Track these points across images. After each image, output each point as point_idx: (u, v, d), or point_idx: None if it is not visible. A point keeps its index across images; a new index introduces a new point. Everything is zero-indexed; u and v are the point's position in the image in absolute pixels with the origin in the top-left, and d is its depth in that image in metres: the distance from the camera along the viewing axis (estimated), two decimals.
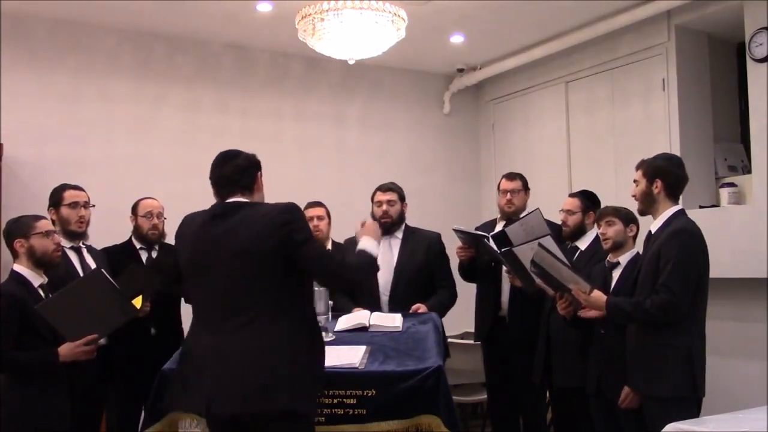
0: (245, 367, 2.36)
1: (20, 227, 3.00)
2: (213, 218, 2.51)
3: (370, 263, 2.61)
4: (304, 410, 2.43)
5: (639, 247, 3.38)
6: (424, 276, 3.92)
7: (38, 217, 3.06)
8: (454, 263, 4.09)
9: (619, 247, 3.38)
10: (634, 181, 3.20)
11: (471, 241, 3.92)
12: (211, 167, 2.61)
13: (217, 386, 2.37)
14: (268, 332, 2.38)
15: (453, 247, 4.03)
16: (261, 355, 2.36)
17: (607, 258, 3.44)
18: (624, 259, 3.37)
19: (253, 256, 2.40)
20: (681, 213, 3.10)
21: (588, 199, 3.78)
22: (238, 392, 2.35)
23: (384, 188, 4.02)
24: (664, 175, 3.10)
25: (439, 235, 4.05)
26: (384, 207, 3.95)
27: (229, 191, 2.55)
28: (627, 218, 3.39)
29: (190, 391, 2.46)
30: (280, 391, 2.35)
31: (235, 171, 2.55)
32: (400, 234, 3.99)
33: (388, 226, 3.90)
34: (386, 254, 3.87)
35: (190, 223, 2.60)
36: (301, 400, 2.40)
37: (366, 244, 2.63)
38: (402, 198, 4.03)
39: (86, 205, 3.56)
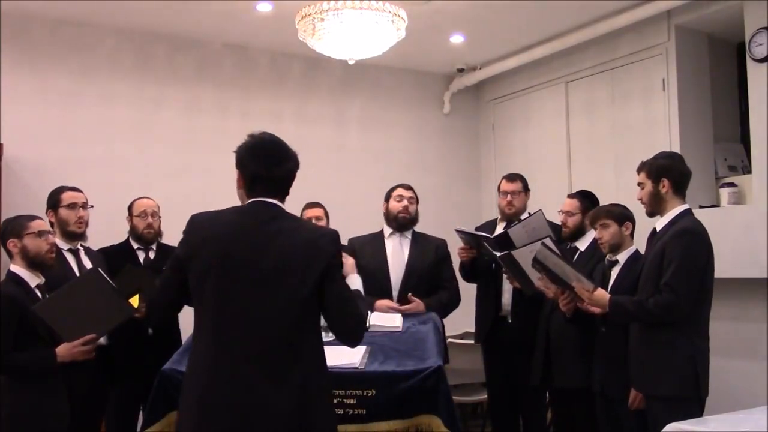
0: (282, 412, 2.05)
1: (14, 227, 2.99)
2: (249, 220, 2.16)
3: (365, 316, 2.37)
4: None
5: (638, 242, 3.37)
6: (431, 275, 3.99)
7: (33, 217, 3.04)
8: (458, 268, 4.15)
9: (616, 248, 3.36)
10: (639, 184, 3.17)
11: (473, 241, 3.94)
12: (254, 158, 2.21)
13: (246, 425, 2.06)
14: (304, 372, 2.11)
15: (455, 248, 4.08)
16: (300, 405, 2.07)
17: (606, 257, 3.43)
18: (623, 257, 3.36)
19: (297, 277, 2.09)
20: (687, 212, 3.08)
21: (587, 199, 3.77)
22: None
23: (406, 186, 4.15)
24: (669, 172, 3.08)
25: (445, 242, 4.13)
26: (405, 203, 4.05)
27: (266, 194, 2.20)
28: (621, 217, 3.35)
29: (206, 417, 2.08)
30: None
31: (286, 177, 2.23)
32: (409, 235, 4.08)
33: (405, 222, 4.02)
34: (398, 252, 4.00)
35: (211, 220, 2.20)
36: None
37: (355, 282, 2.43)
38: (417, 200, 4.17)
39: (84, 205, 3.55)
